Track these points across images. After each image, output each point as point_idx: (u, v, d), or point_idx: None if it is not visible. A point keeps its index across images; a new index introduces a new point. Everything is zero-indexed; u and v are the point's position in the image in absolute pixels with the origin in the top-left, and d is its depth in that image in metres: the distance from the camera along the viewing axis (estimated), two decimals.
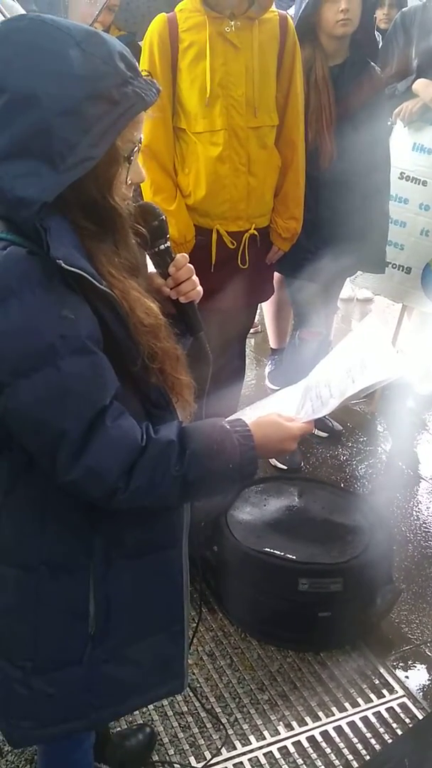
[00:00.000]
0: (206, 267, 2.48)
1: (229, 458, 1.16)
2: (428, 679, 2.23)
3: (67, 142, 1.00)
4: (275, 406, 1.36)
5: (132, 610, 1.28)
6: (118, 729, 1.94)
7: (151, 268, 1.30)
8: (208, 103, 2.34)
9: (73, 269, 1.02)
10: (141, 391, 1.17)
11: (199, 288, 1.32)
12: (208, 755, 1.95)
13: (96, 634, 1.25)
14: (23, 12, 2.64)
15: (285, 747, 1.99)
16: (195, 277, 1.32)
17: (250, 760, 1.95)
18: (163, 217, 1.27)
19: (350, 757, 1.97)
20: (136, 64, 1.09)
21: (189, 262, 1.31)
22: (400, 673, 2.24)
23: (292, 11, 3.38)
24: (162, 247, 1.28)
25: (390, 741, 2.01)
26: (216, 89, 2.33)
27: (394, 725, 2.06)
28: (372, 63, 2.86)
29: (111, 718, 1.52)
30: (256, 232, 2.54)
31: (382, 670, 2.24)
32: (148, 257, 1.29)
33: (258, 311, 3.41)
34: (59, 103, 0.99)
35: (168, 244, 1.29)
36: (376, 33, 3.36)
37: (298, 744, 2.00)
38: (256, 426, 1.22)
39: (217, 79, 2.33)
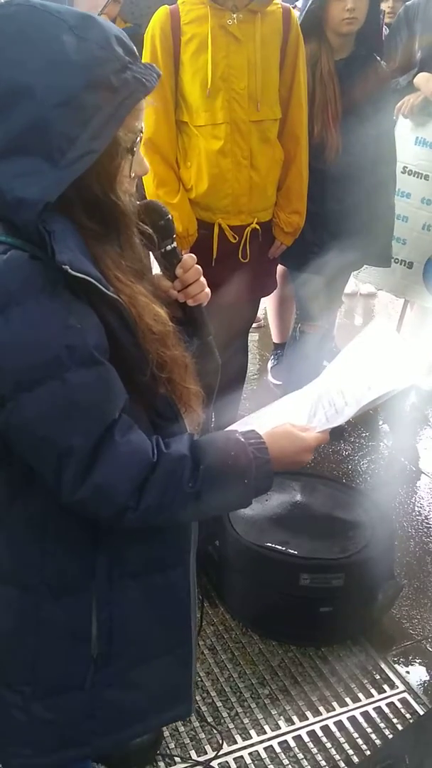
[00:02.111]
0: (207, 261, 2.47)
1: (244, 473, 1.10)
2: (429, 675, 2.23)
3: (65, 136, 0.93)
4: (280, 413, 1.29)
5: (136, 632, 1.21)
6: None
7: (155, 269, 1.24)
8: (209, 95, 2.33)
9: (80, 275, 0.95)
10: (147, 402, 1.10)
11: (207, 290, 1.27)
12: (208, 749, 1.95)
13: (98, 657, 1.18)
14: None
15: (285, 741, 1.99)
16: (203, 279, 1.25)
17: (250, 754, 1.95)
18: (170, 216, 1.22)
19: (351, 752, 1.97)
20: (134, 48, 1.01)
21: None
22: (400, 669, 2.24)
23: (298, 3, 3.37)
24: (169, 247, 1.22)
25: (390, 736, 2.01)
26: (217, 82, 2.32)
27: (395, 720, 2.07)
28: (377, 57, 2.85)
29: (113, 746, 1.41)
30: (258, 227, 2.53)
31: (383, 666, 2.24)
32: (153, 258, 1.23)
33: (261, 306, 3.40)
34: (55, 94, 0.93)
35: (175, 244, 1.23)
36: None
37: (298, 738, 2.00)
38: (270, 438, 1.14)
39: (218, 72, 2.31)
